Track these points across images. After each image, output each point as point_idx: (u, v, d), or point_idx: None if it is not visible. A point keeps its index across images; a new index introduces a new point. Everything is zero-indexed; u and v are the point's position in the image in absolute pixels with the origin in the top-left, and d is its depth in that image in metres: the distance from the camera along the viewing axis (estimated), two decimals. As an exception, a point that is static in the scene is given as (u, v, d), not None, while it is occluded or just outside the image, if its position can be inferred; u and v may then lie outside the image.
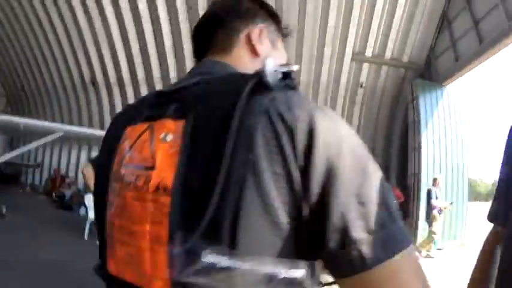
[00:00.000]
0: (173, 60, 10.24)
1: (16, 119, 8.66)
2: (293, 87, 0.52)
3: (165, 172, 0.50)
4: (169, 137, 0.52)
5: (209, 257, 0.43)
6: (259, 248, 0.45)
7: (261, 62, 0.64)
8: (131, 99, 11.08)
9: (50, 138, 7.80)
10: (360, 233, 0.43)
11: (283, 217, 0.45)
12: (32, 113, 15.17)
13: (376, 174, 0.48)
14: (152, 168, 0.52)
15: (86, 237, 6.59)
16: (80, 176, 12.23)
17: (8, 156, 8.37)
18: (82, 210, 9.26)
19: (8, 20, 12.35)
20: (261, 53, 0.72)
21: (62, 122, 12.91)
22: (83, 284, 4.01)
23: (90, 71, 11.68)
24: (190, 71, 0.71)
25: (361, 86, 11.01)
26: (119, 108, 11.34)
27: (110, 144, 0.65)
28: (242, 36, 0.72)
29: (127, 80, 10.96)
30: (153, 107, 0.60)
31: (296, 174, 0.45)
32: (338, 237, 0.44)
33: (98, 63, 11.36)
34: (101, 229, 0.63)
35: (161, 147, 0.52)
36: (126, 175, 0.56)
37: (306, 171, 0.45)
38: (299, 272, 0.45)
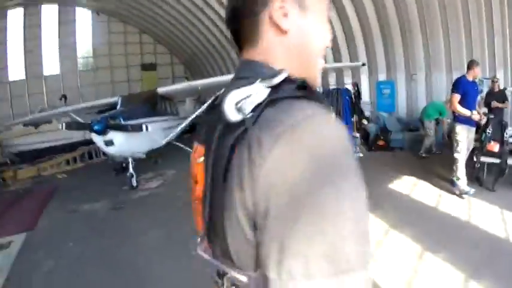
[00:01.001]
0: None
1: (194, 82, 10.10)
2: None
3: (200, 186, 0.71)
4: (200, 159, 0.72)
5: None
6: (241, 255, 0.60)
7: (294, 36, 0.67)
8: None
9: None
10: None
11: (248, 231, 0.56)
12: (204, 74, 17.74)
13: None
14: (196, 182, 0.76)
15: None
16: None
17: (198, 111, 9.93)
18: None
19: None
20: (289, 27, 0.66)
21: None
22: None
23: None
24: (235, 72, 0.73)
25: None
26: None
27: None
28: (264, 18, 0.67)
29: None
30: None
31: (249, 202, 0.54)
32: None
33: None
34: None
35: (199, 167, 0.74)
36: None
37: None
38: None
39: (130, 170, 7.67)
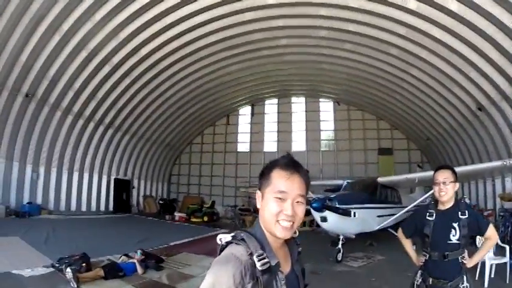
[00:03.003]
0: None
1: (411, 175, 10.80)
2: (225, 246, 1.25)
3: None
4: None
5: None
6: None
7: (260, 213, 1.34)
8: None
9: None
10: None
11: None
12: (440, 160, 16.52)
13: None
14: None
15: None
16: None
17: (414, 203, 9.70)
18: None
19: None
20: (258, 207, 1.35)
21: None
22: None
23: (472, 98, 11.57)
24: None
25: None
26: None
27: None
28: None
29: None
30: None
31: None
32: None
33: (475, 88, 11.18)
34: None
35: None
36: None
37: None
38: None
39: (339, 245, 8.33)
